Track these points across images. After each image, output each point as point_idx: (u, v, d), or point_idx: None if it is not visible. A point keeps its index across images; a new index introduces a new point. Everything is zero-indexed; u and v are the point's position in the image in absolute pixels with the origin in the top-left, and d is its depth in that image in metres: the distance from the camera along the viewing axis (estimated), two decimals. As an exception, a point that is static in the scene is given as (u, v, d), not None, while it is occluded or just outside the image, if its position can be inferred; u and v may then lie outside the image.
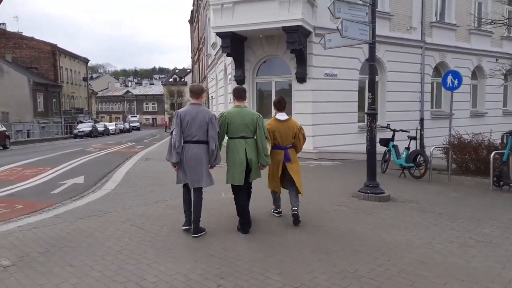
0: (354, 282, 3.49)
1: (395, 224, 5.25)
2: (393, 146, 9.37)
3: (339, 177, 9.07)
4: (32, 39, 44.14)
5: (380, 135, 7.19)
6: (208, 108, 25.07)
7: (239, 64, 13.13)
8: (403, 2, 14.65)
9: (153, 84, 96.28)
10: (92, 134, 36.54)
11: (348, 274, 3.65)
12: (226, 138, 5.05)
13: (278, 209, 5.66)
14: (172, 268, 3.80)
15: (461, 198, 7.07)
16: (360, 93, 13.55)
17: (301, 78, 12.36)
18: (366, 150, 6.87)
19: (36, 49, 43.29)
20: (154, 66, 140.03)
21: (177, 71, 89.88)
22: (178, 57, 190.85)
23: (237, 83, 13.06)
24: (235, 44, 12.57)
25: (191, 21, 43.65)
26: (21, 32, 45.49)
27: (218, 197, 6.63)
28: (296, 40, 11.24)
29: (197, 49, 36.49)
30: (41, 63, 43.27)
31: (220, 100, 18.52)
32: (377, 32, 6.99)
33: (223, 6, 11.97)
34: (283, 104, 5.37)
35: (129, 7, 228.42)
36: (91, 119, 52.35)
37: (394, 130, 9.54)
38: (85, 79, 55.51)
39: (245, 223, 4.92)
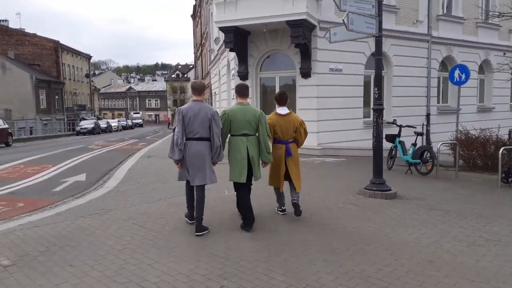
0: (361, 283, 3.39)
1: (402, 222, 5.14)
2: (400, 142, 9.22)
3: (344, 174, 8.95)
4: (34, 35, 44.10)
5: (386, 131, 7.05)
6: (211, 104, 24.98)
7: (242, 59, 12.99)
8: (409, -5, 14.45)
9: (155, 80, 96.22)
10: (95, 131, 36.55)
11: (355, 275, 3.55)
12: (228, 136, 5.02)
13: (282, 207, 5.55)
14: (174, 268, 3.71)
15: (469, 195, 6.94)
16: (366, 88, 13.39)
17: (306, 73, 12.20)
18: (372, 146, 6.74)
19: (39, 46, 43.24)
20: (157, 62, 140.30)
21: (179, 67, 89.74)
22: (181, 53, 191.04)
23: (240, 79, 12.94)
24: (238, 39, 12.43)
25: (193, 16, 43.46)
26: (24, 29, 45.44)
27: (221, 194, 6.53)
28: (300, 34, 11.09)
29: (200, 45, 36.33)
30: (43, 60, 43.23)
31: (223, 96, 18.41)
32: (383, 26, 6.83)
33: (226, 0, 11.82)
34: (284, 98, 5.33)
35: (129, 6, 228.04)
36: (94, 116, 52.38)
37: (400, 126, 9.39)
38: (87, 75, 55.51)
39: (247, 220, 4.87)
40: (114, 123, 47.90)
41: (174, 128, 4.68)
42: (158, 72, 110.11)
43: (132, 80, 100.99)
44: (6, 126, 21.60)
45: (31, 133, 34.08)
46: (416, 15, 14.66)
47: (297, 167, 5.33)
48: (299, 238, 4.52)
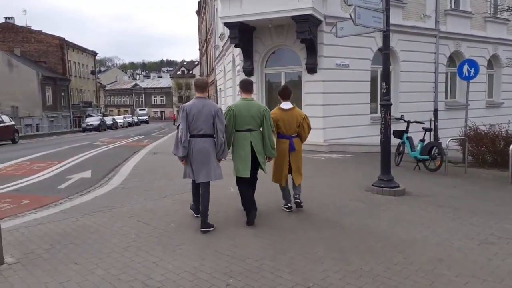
0: (369, 282, 3.31)
1: (411, 220, 5.04)
2: (407, 138, 9.10)
3: (352, 171, 8.85)
4: (40, 32, 44.28)
5: (393, 126, 6.93)
6: (217, 100, 24.93)
7: (248, 55, 12.89)
8: (416, -11, 14.24)
9: (161, 77, 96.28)
10: (101, 127, 36.60)
11: (363, 273, 3.48)
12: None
13: (289, 204, 5.48)
14: (180, 266, 3.66)
15: (479, 191, 6.82)
16: (373, 84, 13.26)
17: (312, 68, 12.08)
18: (380, 142, 6.63)
19: (45, 43, 43.42)
20: (162, 59, 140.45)
21: (185, 63, 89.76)
22: (186, 49, 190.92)
23: (246, 75, 12.85)
24: (243, 34, 12.33)
25: (198, 12, 43.35)
26: (30, 26, 45.64)
27: (226, 191, 6.47)
28: (306, 29, 10.97)
29: (205, 41, 36.25)
30: (49, 57, 43.42)
31: (229, 92, 18.34)
32: (390, 21, 6.71)
33: (231, -5, 11.73)
34: (287, 93, 5.36)
35: (134, 3, 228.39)
36: (100, 113, 52.55)
37: (408, 122, 9.26)
38: (93, 72, 55.67)
39: (250, 214, 4.88)
40: (120, 119, 47.98)
41: (178, 125, 4.69)
42: (164, 69, 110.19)
43: (137, 77, 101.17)
44: (12, 123, 21.67)
45: (37, 130, 34.21)
46: (423, 9, 14.46)
47: (299, 161, 5.39)
48: (306, 235, 4.45)
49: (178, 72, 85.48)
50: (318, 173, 8.51)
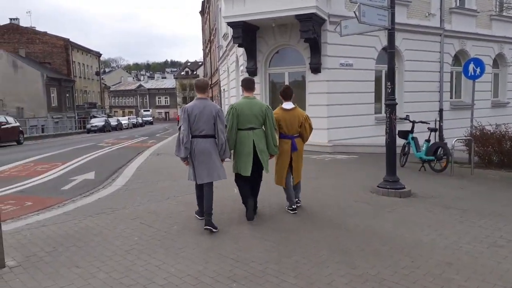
0: (376, 286, 3.25)
1: (418, 222, 4.96)
2: (413, 138, 9.00)
3: (356, 171, 8.76)
4: (45, 34, 44.48)
5: (398, 127, 6.84)
6: (220, 101, 24.89)
7: (251, 55, 12.83)
8: (421, -13, 14.11)
9: (165, 77, 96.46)
10: (105, 128, 36.72)
11: (369, 277, 3.40)
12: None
13: (293, 206, 5.41)
14: (182, 270, 3.60)
15: (486, 193, 6.72)
16: (377, 84, 13.15)
17: (315, 68, 12.00)
18: (386, 143, 6.54)
19: (49, 44, 43.61)
20: (166, 60, 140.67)
21: (189, 64, 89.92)
22: (190, 50, 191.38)
23: (249, 75, 12.78)
24: (247, 34, 12.28)
25: (202, 13, 43.36)
26: (34, 27, 45.87)
27: (230, 193, 6.40)
28: (310, 28, 10.89)
29: (209, 41, 36.24)
30: (54, 58, 43.62)
31: (232, 93, 18.28)
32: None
33: (234, -5, 11.68)
34: (289, 93, 5.39)
35: (138, 4, 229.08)
36: (104, 114, 52.70)
37: (413, 122, 9.15)
38: (97, 73, 55.84)
39: (249, 209, 5.02)
40: (124, 120, 48.09)
41: (180, 127, 4.71)
42: (168, 70, 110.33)
43: (142, 78, 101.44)
44: (17, 124, 21.74)
45: (42, 131, 34.38)
46: (428, 8, 14.33)
47: (300, 161, 5.45)
48: (311, 238, 4.38)
49: (182, 73, 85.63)
50: (322, 174, 8.43)
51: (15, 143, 20.52)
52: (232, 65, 17.71)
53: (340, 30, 6.87)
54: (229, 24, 12.34)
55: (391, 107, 6.43)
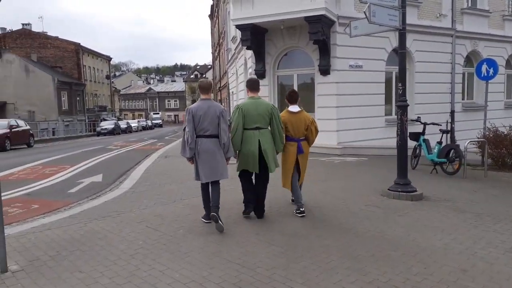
0: (387, 294, 3.11)
1: (431, 226, 4.79)
2: (424, 140, 8.81)
3: (366, 174, 8.59)
4: (56, 38, 45.00)
5: (409, 129, 6.68)
6: (229, 103, 24.86)
7: (260, 58, 12.75)
8: (432, -13, 13.91)
9: (174, 81, 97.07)
10: (115, 131, 36.95)
11: (381, 284, 3.27)
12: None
13: (301, 209, 5.29)
14: (187, 275, 3.50)
15: (500, 196, 6.51)
16: (387, 85, 12.99)
17: (325, 70, 11.87)
18: (397, 145, 6.39)
19: (60, 48, 44.11)
20: (176, 63, 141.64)
21: (198, 67, 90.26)
22: (200, 53, 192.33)
23: (258, 77, 12.70)
24: (255, 36, 12.21)
25: (211, 16, 43.48)
26: (46, 32, 46.44)
27: (237, 196, 6.29)
28: (319, 30, 10.77)
29: (218, 44, 36.29)
30: (65, 62, 44.09)
31: (241, 95, 18.21)
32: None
33: (242, -3, 11.62)
34: (294, 97, 5.42)
35: (148, 9, 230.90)
36: (114, 117, 53.09)
37: (425, 124, 8.97)
38: (108, 77, 56.31)
39: (248, 206, 5.23)
40: (134, 123, 48.43)
41: (185, 128, 4.79)
42: (177, 73, 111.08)
43: (151, 81, 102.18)
44: (28, 127, 21.92)
45: (53, 134, 34.72)
46: (439, 8, 14.11)
47: (305, 163, 5.50)
48: (320, 243, 4.25)
49: (192, 76, 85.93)
50: (332, 176, 8.29)
51: (25, 146, 20.70)
52: (241, 68, 17.66)
53: (350, 30, 6.75)
54: (238, 26, 12.29)
55: (403, 108, 6.27)
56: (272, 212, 5.46)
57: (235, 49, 19.35)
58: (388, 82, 13.02)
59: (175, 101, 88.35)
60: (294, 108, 5.35)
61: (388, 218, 5.17)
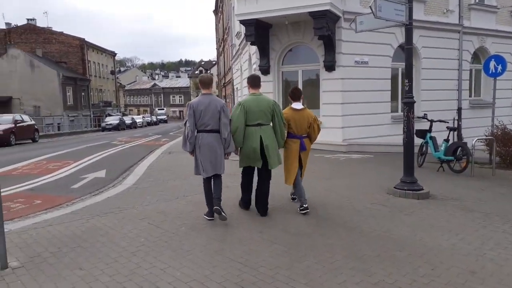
0: (393, 295, 3.03)
1: (438, 226, 4.70)
2: (431, 137, 8.68)
3: (372, 172, 8.48)
4: (61, 34, 45.03)
5: (416, 126, 6.56)
6: (233, 99, 24.77)
7: (264, 53, 12.63)
8: (439, -17, 13.69)
9: (179, 76, 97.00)
10: (120, 127, 36.96)
11: (386, 286, 3.19)
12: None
13: (304, 205, 5.22)
14: (189, 274, 3.44)
15: (509, 194, 6.39)
16: (393, 82, 12.83)
17: (330, 66, 11.73)
18: (403, 142, 6.28)
19: (65, 44, 44.14)
20: (181, 59, 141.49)
21: (203, 63, 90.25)
22: (204, 49, 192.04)
23: (262, 73, 12.60)
24: (260, 32, 12.08)
25: (215, 12, 43.32)
26: (51, 27, 46.48)
27: (240, 193, 6.22)
28: (324, 25, 10.63)
29: (222, 40, 36.16)
30: (70, 57, 44.14)
31: (245, 91, 18.11)
32: (412, 15, 6.34)
33: (247, -8, 11.49)
34: (297, 94, 5.43)
35: (153, 4, 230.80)
36: (119, 112, 53.16)
37: (431, 121, 8.84)
38: (112, 72, 56.35)
39: (245, 201, 5.38)
40: (139, 119, 48.47)
41: (186, 122, 4.81)
42: (182, 69, 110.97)
43: (156, 77, 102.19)
44: (33, 122, 21.97)
45: (58, 129, 34.81)
46: (446, 4, 13.90)
47: (306, 160, 5.53)
48: (324, 242, 4.17)
49: (196, 72, 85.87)
50: (337, 174, 8.20)
51: (30, 141, 20.74)
52: (245, 64, 17.55)
53: (356, 26, 6.62)
54: (242, 22, 12.17)
55: (409, 105, 6.15)
56: (276, 210, 5.39)
57: (239, 45, 19.24)
58: (394, 78, 12.87)
59: (180, 97, 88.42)
60: (298, 105, 5.34)
61: (394, 217, 5.09)
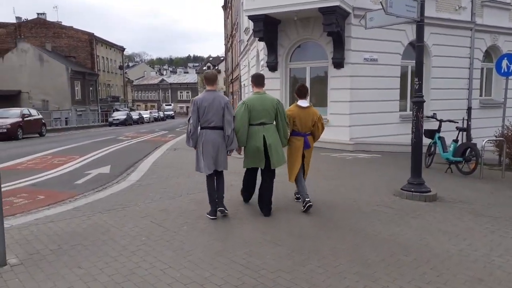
0: (398, 302, 2.92)
1: (445, 230, 4.57)
2: (439, 138, 8.51)
3: (378, 172, 8.35)
4: (71, 28, 45.21)
5: (424, 125, 6.41)
6: (241, 96, 24.67)
7: (272, 49, 12.51)
8: (451, -21, 13.43)
9: (187, 72, 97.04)
10: (127, 122, 37.06)
11: (391, 292, 3.08)
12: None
13: (307, 199, 5.14)
14: (188, 276, 3.37)
15: (519, 198, 6.23)
16: (403, 80, 12.64)
17: (338, 63, 11.58)
18: (411, 143, 6.14)
19: (74, 38, 44.32)
20: (189, 55, 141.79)
21: (211, 59, 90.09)
22: (213, 45, 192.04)
23: (270, 70, 12.49)
24: (268, 27, 11.95)
25: (224, 7, 43.17)
26: (61, 22, 46.71)
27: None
28: (333, 21, 10.47)
29: (230, 36, 36.04)
30: (78, 52, 44.33)
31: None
32: (423, 12, 6.17)
33: (255, -13, 11.36)
34: (303, 91, 5.42)
35: (157, 2, 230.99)
36: (127, 107, 53.33)
37: (440, 121, 8.66)
38: (121, 67, 56.52)
39: (246, 198, 5.56)
40: (146, 114, 48.55)
41: (189, 118, 4.81)
42: (190, 65, 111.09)
43: (164, 72, 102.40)
44: (40, 116, 22.06)
45: (66, 124, 35.00)
46: (458, 1, 13.63)
47: (310, 158, 5.55)
48: (328, 245, 4.07)
49: (204, 68, 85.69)
50: (343, 173, 8.08)
51: (37, 135, 20.85)
52: (253, 60, 17.43)
53: (365, 22, 6.48)
54: (250, 17, 12.05)
55: (419, 104, 6.01)
56: (280, 210, 5.30)
57: (247, 41, 19.11)
58: (403, 76, 12.67)
59: (187, 92, 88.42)
60: (303, 102, 5.32)
61: (400, 220, 4.97)
